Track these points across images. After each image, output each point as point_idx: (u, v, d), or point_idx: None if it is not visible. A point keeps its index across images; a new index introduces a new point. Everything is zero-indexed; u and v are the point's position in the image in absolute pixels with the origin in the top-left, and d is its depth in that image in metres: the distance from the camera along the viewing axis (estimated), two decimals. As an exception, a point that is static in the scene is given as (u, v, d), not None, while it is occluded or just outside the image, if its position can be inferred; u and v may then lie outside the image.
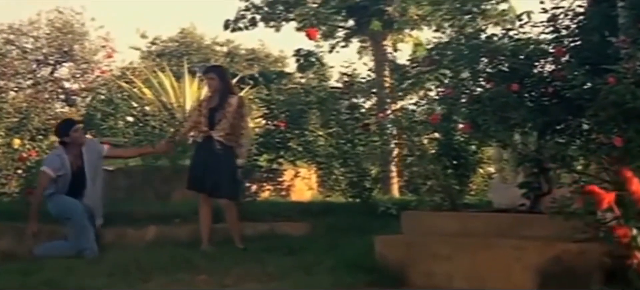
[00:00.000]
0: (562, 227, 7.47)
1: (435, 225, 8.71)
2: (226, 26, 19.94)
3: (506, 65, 8.05)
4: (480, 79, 8.13)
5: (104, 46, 20.90)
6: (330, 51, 19.72)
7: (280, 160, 12.63)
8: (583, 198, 7.14)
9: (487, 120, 7.87)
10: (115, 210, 11.38)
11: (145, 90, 17.82)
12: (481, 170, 12.15)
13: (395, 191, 16.12)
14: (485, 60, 8.12)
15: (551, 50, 7.99)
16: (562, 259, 7.45)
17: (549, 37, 8.17)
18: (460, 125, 10.78)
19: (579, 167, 8.09)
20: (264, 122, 12.98)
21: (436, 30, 19.07)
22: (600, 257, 7.31)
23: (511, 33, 8.20)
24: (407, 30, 19.22)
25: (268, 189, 12.95)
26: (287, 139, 12.55)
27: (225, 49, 29.77)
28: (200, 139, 10.59)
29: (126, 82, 18.93)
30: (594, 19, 8.06)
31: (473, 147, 10.81)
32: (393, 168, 15.37)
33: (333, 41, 20.06)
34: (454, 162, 10.50)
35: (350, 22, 19.72)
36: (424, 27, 19.24)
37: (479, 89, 8.04)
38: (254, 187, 12.41)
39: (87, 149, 10.55)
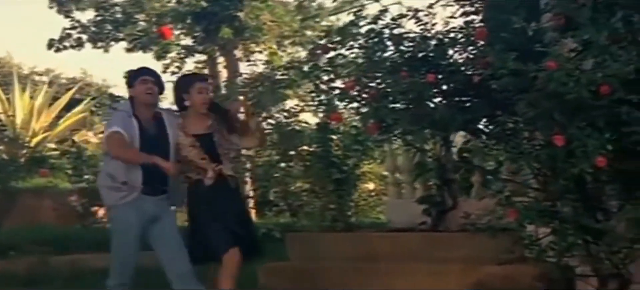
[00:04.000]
0: (483, 246, 6.58)
1: (329, 249, 7.68)
2: (50, 45, 18.42)
3: (411, 51, 6.84)
4: (384, 70, 6.84)
5: None
6: (164, 71, 18.30)
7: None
8: (515, 211, 6.09)
9: (398, 119, 6.61)
10: None
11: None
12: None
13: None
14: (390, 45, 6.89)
15: (467, 34, 6.81)
16: (487, 284, 6.54)
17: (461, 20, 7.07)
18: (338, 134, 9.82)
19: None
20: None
21: (277, 48, 18.11)
22: (531, 282, 6.43)
23: (419, 14, 6.96)
24: (259, 38, 18.05)
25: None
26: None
27: (45, 78, 28.53)
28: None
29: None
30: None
31: (353, 160, 9.76)
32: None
33: (166, 61, 18.71)
34: (335, 177, 9.39)
35: (186, 41, 18.46)
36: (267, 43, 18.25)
37: (387, 82, 6.74)
38: (101, 212, 10.99)
39: (167, 118, 6.60)
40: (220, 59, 18.50)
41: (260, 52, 18.04)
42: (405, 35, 6.90)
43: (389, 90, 6.71)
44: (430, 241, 7.19)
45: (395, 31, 6.94)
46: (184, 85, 6.64)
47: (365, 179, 11.53)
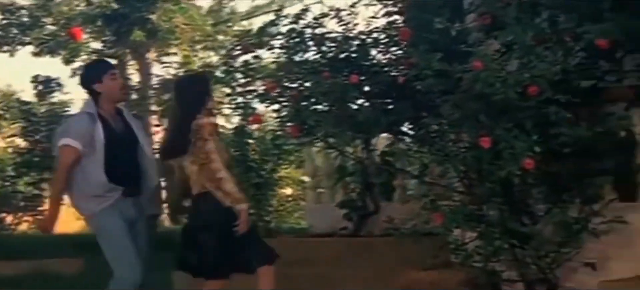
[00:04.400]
0: (407, 251, 6.45)
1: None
2: (-47, 50, 17.77)
3: (333, 52, 6.65)
4: (305, 71, 6.62)
5: None
6: (73, 75, 17.78)
7: (43, 184, 10.80)
8: (441, 215, 5.94)
9: (321, 120, 6.39)
10: None
11: None
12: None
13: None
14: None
15: (390, 35, 6.65)
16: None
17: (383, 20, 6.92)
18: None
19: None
20: (21, 139, 11.14)
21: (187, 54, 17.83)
22: (457, 287, 6.31)
23: (342, 14, 6.75)
24: (172, 41, 17.70)
25: (27, 221, 11.09)
26: (51, 158, 10.73)
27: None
28: None
29: None
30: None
31: (271, 164, 9.57)
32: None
33: (75, 65, 18.23)
34: (254, 182, 9.20)
35: (96, 45, 18.01)
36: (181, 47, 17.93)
37: (308, 83, 6.52)
38: (10, 219, 10.55)
39: (131, 119, 6.01)
40: (132, 62, 18.11)
41: (174, 54, 17.70)
42: (327, 35, 6.70)
43: (310, 91, 6.52)
44: (353, 246, 7.08)
45: (317, 31, 6.72)
46: (203, 85, 5.68)
47: (282, 183, 11.32)
